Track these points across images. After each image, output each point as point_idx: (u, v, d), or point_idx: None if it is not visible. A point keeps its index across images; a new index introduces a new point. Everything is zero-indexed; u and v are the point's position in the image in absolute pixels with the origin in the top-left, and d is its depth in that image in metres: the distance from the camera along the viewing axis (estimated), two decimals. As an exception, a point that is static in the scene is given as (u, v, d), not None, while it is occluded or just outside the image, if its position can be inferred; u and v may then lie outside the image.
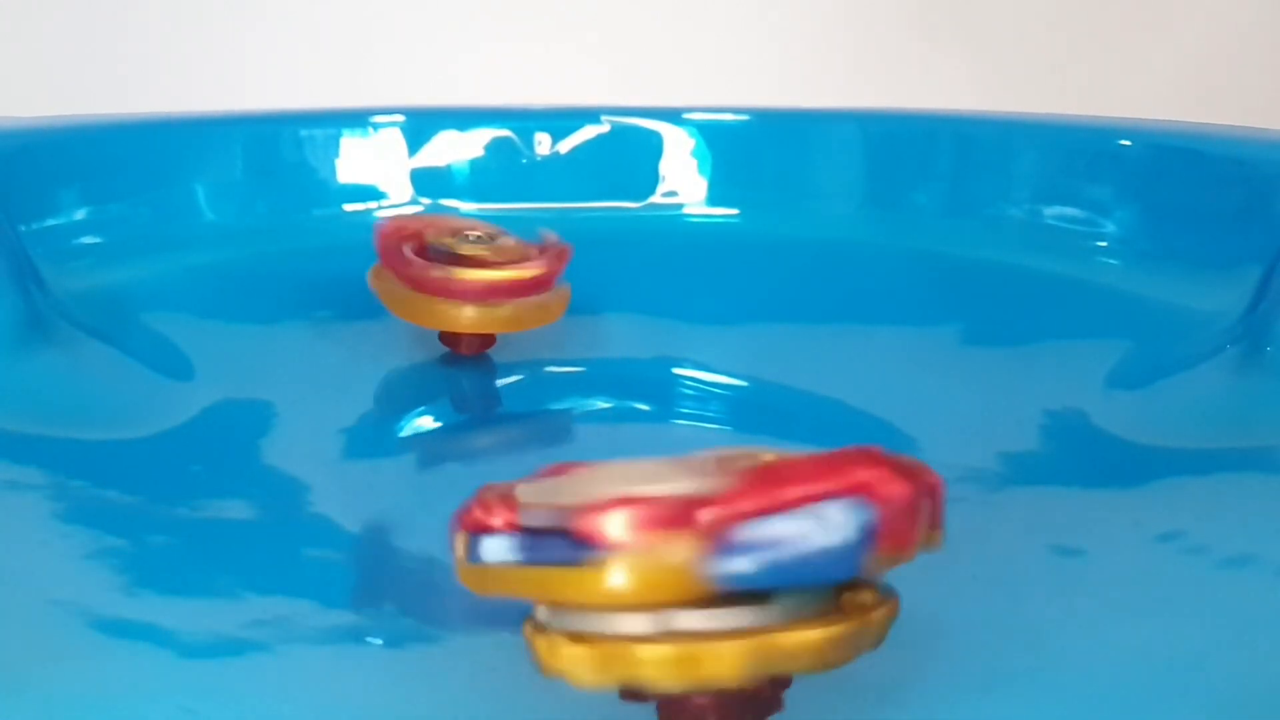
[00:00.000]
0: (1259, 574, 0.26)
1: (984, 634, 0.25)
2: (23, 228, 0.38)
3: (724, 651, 0.18)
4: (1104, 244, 0.42)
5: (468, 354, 0.38)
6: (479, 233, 0.37)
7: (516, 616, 0.27)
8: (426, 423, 0.36)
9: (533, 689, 0.23)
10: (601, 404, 0.38)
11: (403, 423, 0.35)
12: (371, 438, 0.34)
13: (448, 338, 0.38)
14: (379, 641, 0.25)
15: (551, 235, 0.37)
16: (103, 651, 0.23)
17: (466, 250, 0.36)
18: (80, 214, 0.41)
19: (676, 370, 0.39)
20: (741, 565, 0.17)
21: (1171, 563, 0.27)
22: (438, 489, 0.32)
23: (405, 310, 0.36)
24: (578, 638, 0.18)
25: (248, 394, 0.35)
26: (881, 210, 0.45)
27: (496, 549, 0.19)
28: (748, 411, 0.37)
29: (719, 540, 0.17)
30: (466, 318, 0.36)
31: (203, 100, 0.51)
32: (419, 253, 0.36)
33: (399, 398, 0.37)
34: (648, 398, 0.38)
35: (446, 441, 0.35)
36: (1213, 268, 0.39)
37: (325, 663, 0.24)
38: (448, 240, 0.37)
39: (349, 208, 0.44)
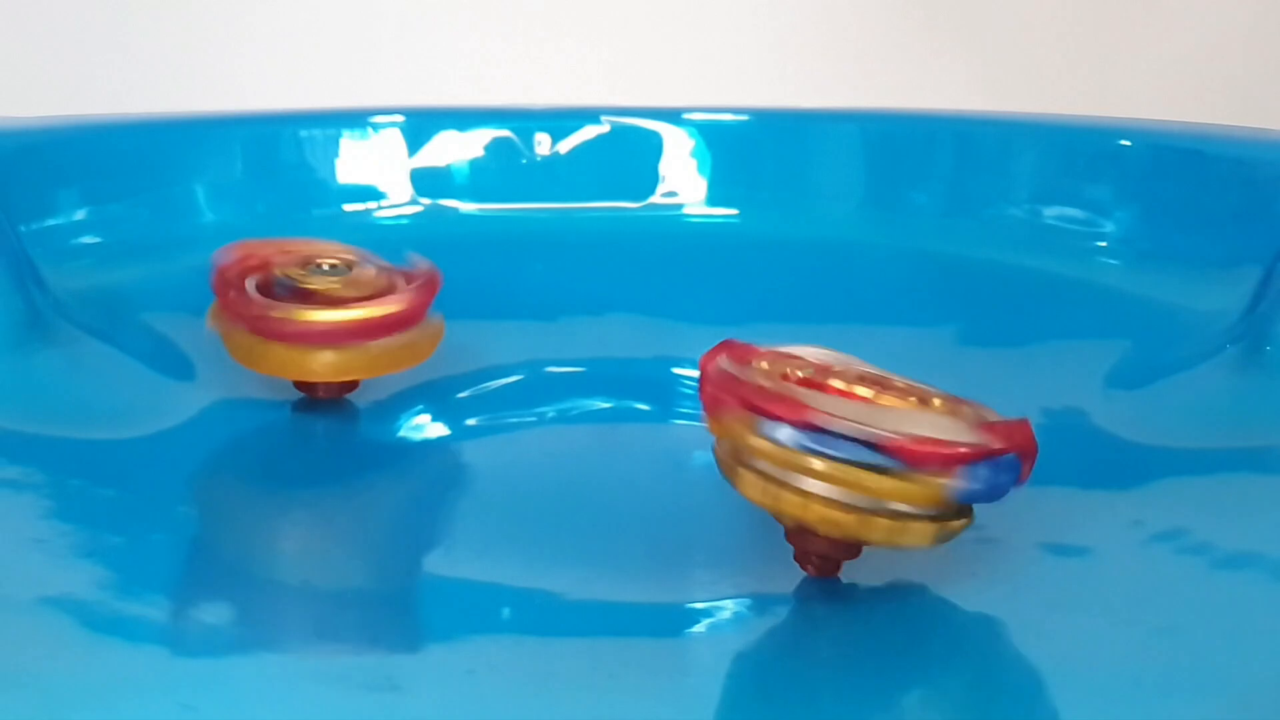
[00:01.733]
0: (1259, 573, 0.26)
1: (983, 632, 0.25)
2: (23, 228, 0.38)
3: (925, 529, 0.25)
4: (1104, 244, 0.42)
5: (325, 398, 0.34)
6: (333, 261, 0.33)
7: (516, 617, 0.27)
8: (424, 421, 0.36)
9: (533, 686, 0.23)
10: (601, 404, 0.38)
11: (400, 421, 0.35)
12: (370, 437, 0.34)
13: (302, 382, 0.34)
14: (378, 639, 0.25)
15: (421, 261, 0.34)
16: (101, 648, 0.23)
17: (316, 284, 0.33)
18: (80, 214, 0.41)
19: (676, 370, 0.38)
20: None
21: (1171, 562, 0.27)
22: (438, 488, 0.32)
23: (250, 358, 0.32)
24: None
25: (247, 394, 0.35)
26: (881, 210, 0.45)
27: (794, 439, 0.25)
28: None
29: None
30: (320, 364, 0.32)
31: (203, 100, 0.51)
32: (264, 288, 0.33)
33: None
34: (648, 398, 0.38)
35: (446, 441, 0.35)
36: (1213, 268, 0.39)
37: (324, 660, 0.24)
38: (295, 272, 0.33)
39: (349, 208, 0.44)
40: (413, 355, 0.33)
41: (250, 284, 0.32)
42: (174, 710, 0.21)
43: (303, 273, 0.33)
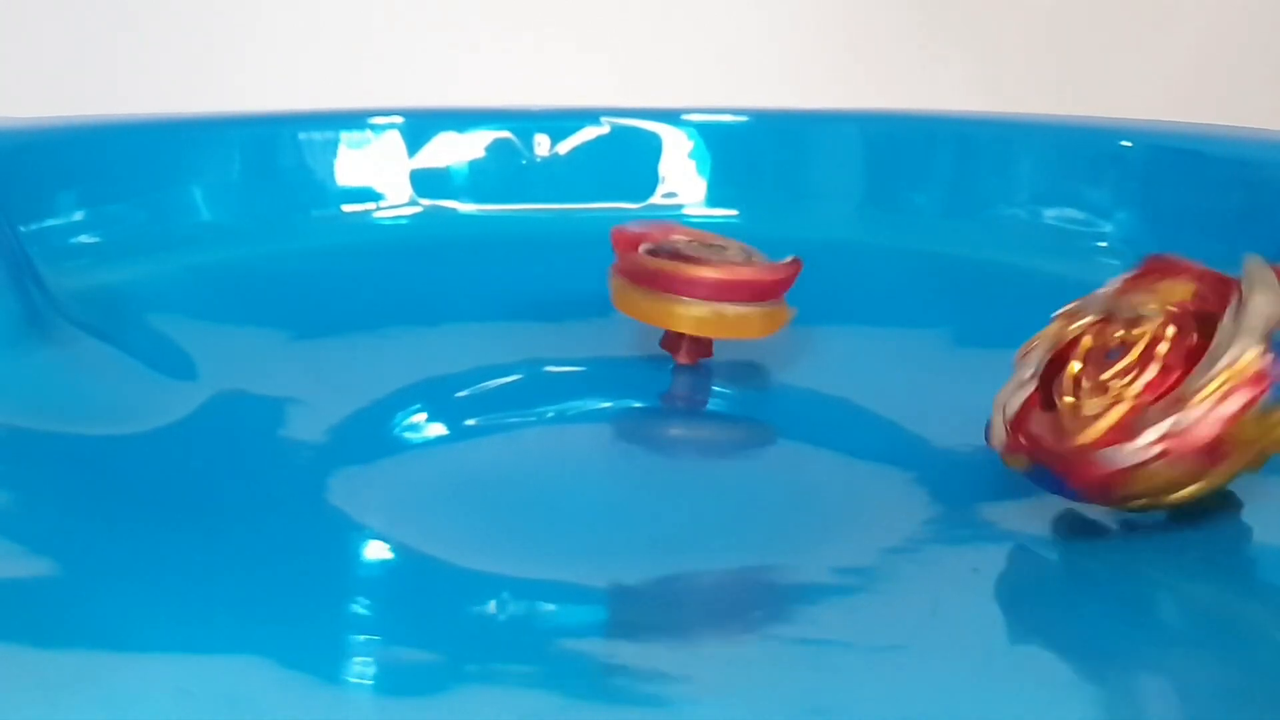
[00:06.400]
0: (1259, 572, 0.26)
1: (983, 629, 0.25)
2: (22, 228, 0.38)
3: None
4: (1104, 244, 0.42)
5: (687, 362, 0.37)
6: (709, 242, 0.37)
7: (517, 613, 0.27)
8: (422, 421, 0.36)
9: (534, 681, 0.23)
10: (601, 404, 0.38)
11: (398, 421, 0.35)
12: (368, 437, 0.34)
13: (669, 343, 0.37)
14: (377, 633, 0.25)
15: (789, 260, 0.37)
16: (99, 639, 0.23)
17: (693, 252, 0.36)
18: (79, 214, 0.41)
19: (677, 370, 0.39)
20: None
21: (1170, 562, 0.27)
22: (432, 487, 0.32)
23: (634, 308, 0.36)
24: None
25: (246, 393, 0.35)
26: (881, 211, 0.45)
27: None
28: (748, 411, 0.37)
29: None
30: (693, 316, 0.35)
31: (202, 101, 0.51)
32: (652, 253, 0.36)
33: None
34: (648, 398, 0.38)
35: (445, 441, 0.35)
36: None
37: (321, 653, 0.24)
38: (679, 243, 0.37)
39: (348, 209, 0.44)
40: (769, 324, 0.36)
41: (644, 248, 0.36)
42: (171, 694, 0.21)
43: (684, 243, 0.37)
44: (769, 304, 0.36)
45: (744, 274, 0.36)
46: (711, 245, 0.37)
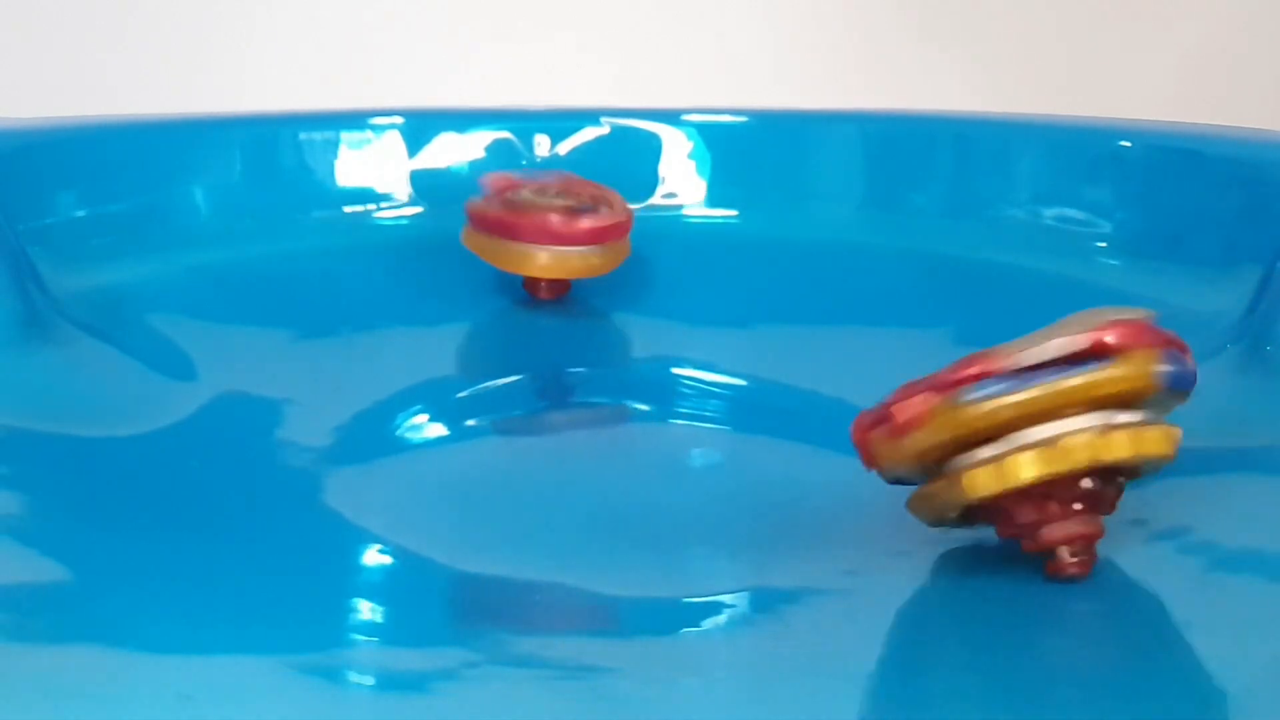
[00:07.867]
0: (1259, 573, 0.26)
1: (983, 630, 0.25)
2: (22, 228, 0.38)
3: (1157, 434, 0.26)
4: (1104, 244, 0.42)
5: (547, 298, 0.40)
6: (558, 189, 0.40)
7: (517, 613, 0.27)
8: (422, 421, 0.36)
9: (534, 681, 0.23)
10: (602, 404, 0.38)
11: (399, 421, 0.35)
12: (368, 437, 0.34)
13: (529, 284, 0.40)
14: (377, 634, 0.25)
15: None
16: (100, 642, 0.23)
17: (542, 201, 0.39)
18: (80, 214, 0.41)
19: (676, 370, 0.38)
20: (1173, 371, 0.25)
21: (1171, 561, 0.27)
22: (432, 488, 0.32)
23: (491, 256, 0.39)
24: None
25: (247, 393, 0.35)
26: (881, 211, 0.45)
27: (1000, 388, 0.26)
28: (747, 411, 0.37)
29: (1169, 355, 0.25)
30: (541, 262, 0.39)
31: (203, 101, 0.51)
32: (506, 204, 0.40)
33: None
34: (648, 398, 0.38)
35: (445, 441, 0.35)
36: (1213, 268, 0.39)
37: (321, 654, 0.24)
38: (527, 194, 0.40)
39: (349, 209, 0.44)
40: (605, 265, 0.39)
41: (495, 201, 0.40)
42: (171, 700, 0.21)
43: (534, 195, 0.40)
44: (609, 245, 0.39)
45: (586, 221, 0.39)
46: (560, 192, 0.40)
